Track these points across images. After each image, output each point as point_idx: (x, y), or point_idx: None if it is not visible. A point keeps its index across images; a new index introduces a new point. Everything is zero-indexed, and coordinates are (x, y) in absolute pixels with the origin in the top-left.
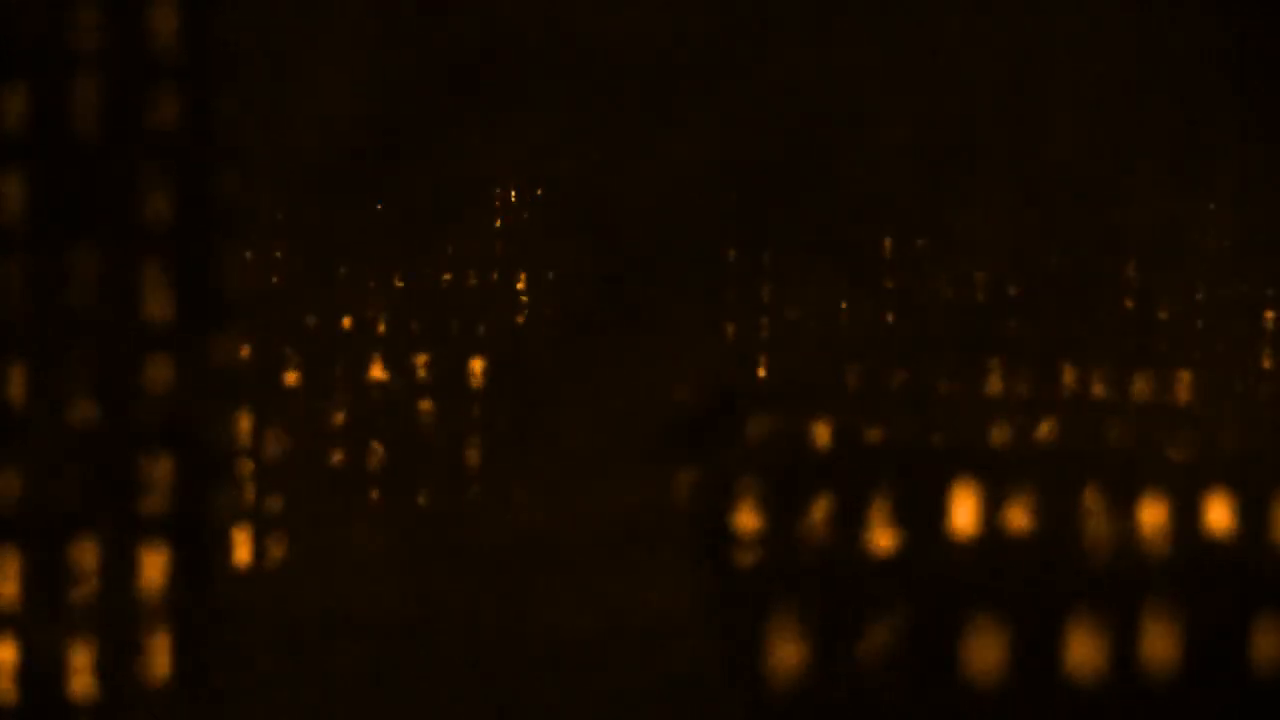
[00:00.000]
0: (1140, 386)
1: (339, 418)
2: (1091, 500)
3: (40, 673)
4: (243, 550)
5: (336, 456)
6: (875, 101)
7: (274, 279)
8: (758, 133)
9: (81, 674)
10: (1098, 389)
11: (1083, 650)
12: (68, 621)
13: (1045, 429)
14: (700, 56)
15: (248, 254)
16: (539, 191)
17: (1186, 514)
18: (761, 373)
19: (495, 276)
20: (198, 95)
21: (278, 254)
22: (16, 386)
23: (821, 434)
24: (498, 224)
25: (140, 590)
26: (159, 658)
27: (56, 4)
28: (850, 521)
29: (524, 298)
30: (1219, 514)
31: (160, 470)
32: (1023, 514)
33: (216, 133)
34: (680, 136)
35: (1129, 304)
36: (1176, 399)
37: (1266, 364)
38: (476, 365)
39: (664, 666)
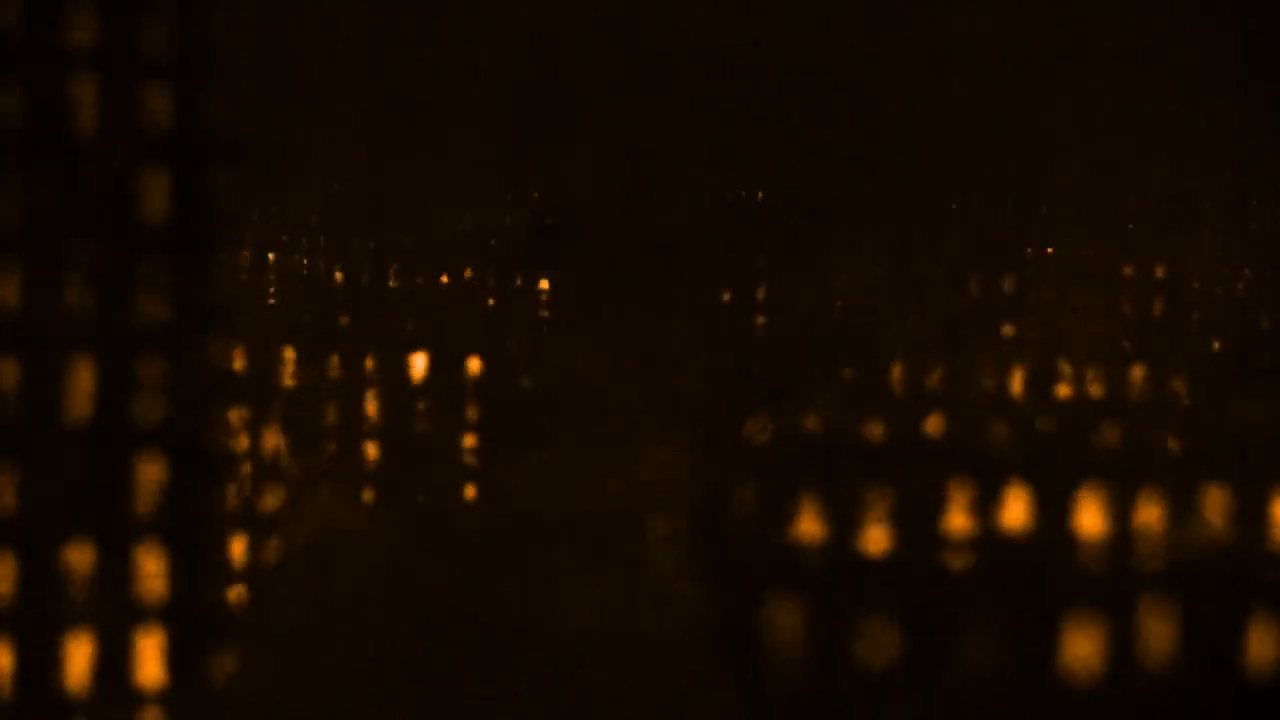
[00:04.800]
0: (1135, 383)
1: (334, 417)
2: (1086, 499)
3: (36, 674)
4: (239, 551)
5: (331, 456)
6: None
7: (269, 280)
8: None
9: (78, 676)
10: (1093, 387)
11: (1078, 648)
12: (64, 623)
13: (1041, 427)
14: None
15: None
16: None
17: (1181, 512)
18: (760, 366)
19: (491, 280)
20: (193, 94)
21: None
22: (10, 387)
23: (817, 429)
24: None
25: (136, 592)
26: (155, 660)
27: (51, 1)
28: (846, 518)
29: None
30: (1213, 512)
31: (156, 471)
32: (1019, 512)
33: (212, 132)
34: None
35: (1124, 301)
36: (1172, 396)
37: (1261, 361)
38: (473, 363)
39: (661, 665)
